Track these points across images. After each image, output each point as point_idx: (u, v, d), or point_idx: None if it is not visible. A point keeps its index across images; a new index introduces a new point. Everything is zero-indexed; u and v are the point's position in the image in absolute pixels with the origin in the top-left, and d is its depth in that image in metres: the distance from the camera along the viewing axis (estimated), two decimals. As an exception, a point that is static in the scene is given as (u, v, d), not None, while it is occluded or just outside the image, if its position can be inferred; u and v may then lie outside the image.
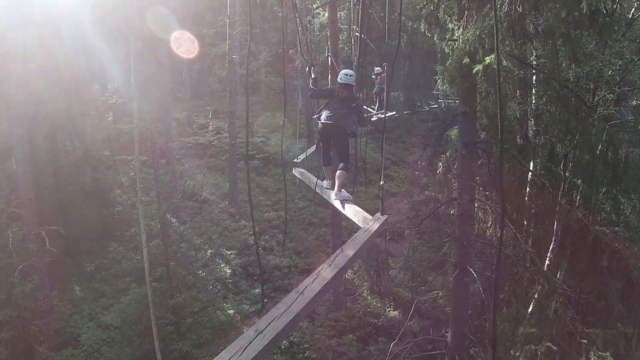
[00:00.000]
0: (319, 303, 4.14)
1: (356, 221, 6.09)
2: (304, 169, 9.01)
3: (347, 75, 6.62)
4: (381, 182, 6.28)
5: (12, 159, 10.73)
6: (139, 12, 13.14)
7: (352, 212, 6.23)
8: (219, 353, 2.88)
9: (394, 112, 17.26)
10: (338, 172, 6.59)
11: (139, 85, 13.86)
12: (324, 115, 6.66)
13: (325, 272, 3.93)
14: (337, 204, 6.67)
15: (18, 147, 10.34)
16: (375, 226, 5.45)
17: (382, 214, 5.86)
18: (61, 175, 13.14)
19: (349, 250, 4.56)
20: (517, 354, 6.66)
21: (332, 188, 6.82)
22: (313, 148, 10.13)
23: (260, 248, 14.80)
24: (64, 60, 11.80)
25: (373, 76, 17.49)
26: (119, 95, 15.55)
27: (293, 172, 9.15)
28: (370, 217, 5.84)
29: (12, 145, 10.48)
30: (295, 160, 9.49)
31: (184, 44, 15.80)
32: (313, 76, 7.31)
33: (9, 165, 10.93)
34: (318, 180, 7.61)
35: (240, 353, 2.81)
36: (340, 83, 6.63)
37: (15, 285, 9.11)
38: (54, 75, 11.67)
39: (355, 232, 5.39)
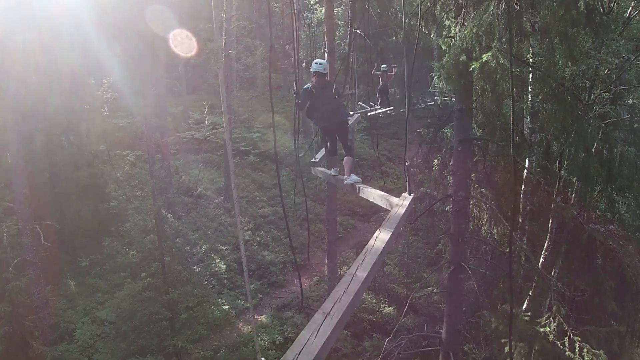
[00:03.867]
0: (368, 283, 4.56)
1: (382, 205, 6.36)
2: (322, 167, 9.18)
3: (317, 63, 6.55)
4: (406, 164, 6.65)
5: (7, 154, 10.66)
6: (138, 10, 13.11)
7: (378, 196, 6.47)
8: (297, 337, 3.01)
9: (391, 107, 17.21)
10: (345, 159, 7.05)
11: (135, 81, 13.86)
12: (318, 118, 6.93)
13: (369, 255, 4.21)
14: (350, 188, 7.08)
15: (14, 142, 10.27)
16: (406, 204, 5.70)
17: (409, 194, 6.16)
18: (56, 170, 13.08)
19: (386, 231, 4.78)
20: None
21: (341, 174, 7.35)
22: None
23: (255, 244, 14.80)
24: (62, 57, 11.72)
25: (378, 72, 17.26)
26: (114, 90, 15.45)
27: (312, 171, 9.30)
28: (396, 199, 6.08)
29: (8, 140, 10.41)
30: (314, 160, 9.57)
31: (183, 42, 15.70)
32: (295, 89, 7.25)
33: (4, 159, 10.85)
34: (330, 171, 7.81)
35: (315, 334, 3.02)
36: (312, 72, 6.61)
37: (9, 280, 9.08)
38: (52, 71, 11.59)
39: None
